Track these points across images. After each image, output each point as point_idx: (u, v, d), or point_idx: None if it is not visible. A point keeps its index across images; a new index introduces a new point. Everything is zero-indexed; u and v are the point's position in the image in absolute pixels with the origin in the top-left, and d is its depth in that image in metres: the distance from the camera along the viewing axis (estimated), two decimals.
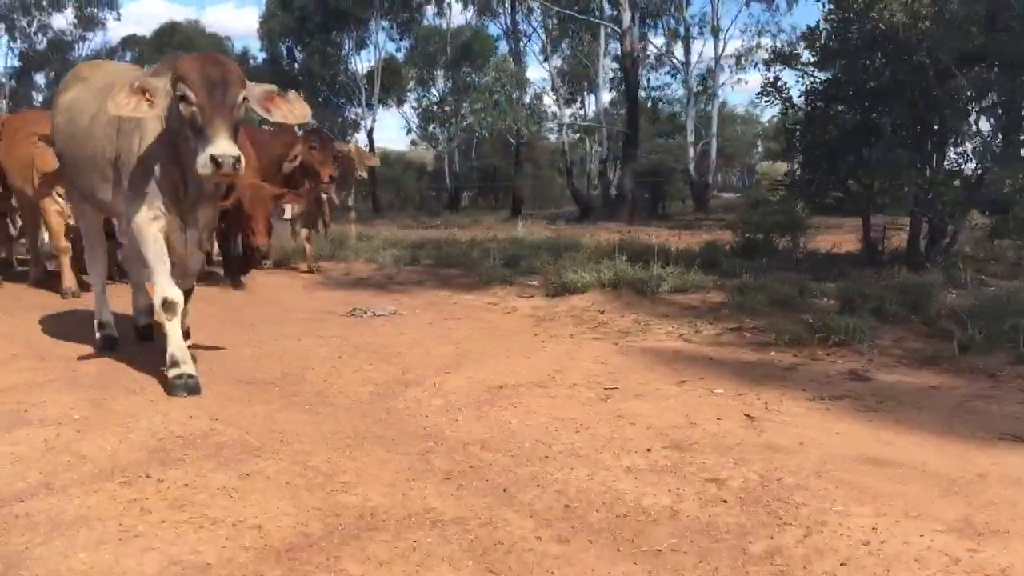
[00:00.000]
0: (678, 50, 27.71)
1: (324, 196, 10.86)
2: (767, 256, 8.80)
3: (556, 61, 28.16)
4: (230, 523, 2.66)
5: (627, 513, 2.77)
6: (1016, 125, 7.87)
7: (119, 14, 44.71)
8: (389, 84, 36.42)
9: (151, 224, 4.33)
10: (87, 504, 2.79)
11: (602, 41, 23.48)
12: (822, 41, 8.07)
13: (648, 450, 3.41)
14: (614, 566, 2.41)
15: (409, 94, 38.36)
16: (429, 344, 5.69)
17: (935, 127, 8.00)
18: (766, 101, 8.72)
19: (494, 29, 31.23)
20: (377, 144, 35.10)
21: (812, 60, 8.64)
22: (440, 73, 32.72)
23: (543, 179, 38.58)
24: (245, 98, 4.05)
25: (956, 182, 7.80)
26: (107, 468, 3.13)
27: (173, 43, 36.55)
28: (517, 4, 23.94)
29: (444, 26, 33.57)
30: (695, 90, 27.40)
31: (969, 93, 7.60)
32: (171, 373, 4.23)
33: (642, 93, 23.90)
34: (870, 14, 7.08)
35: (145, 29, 61.76)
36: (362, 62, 36.25)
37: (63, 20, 43.93)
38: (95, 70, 5.32)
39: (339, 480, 3.06)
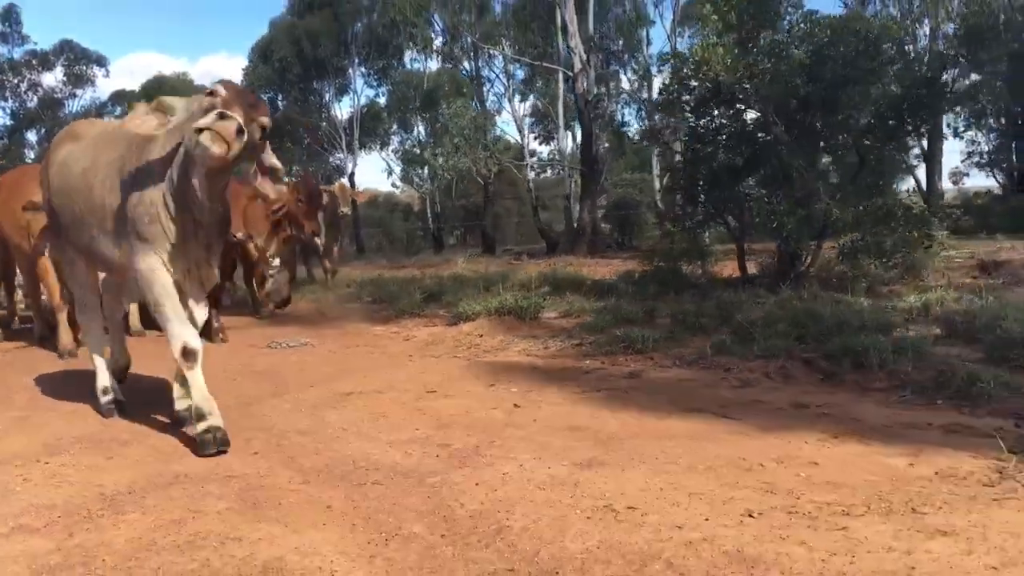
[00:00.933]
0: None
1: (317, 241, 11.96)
2: (675, 282, 9.89)
3: (527, 102, 29.67)
4: (82, 484, 3.92)
5: (363, 466, 4.03)
6: (850, 165, 9.15)
7: (108, 71, 46.37)
8: (370, 128, 38.05)
9: (161, 270, 4.39)
10: None
11: (560, 83, 24.93)
12: (673, 96, 9.38)
13: (416, 429, 4.68)
14: (329, 491, 3.67)
15: (393, 137, 39.82)
16: (314, 367, 6.97)
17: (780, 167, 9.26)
18: (646, 145, 10.03)
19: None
20: (360, 188, 36.50)
21: (687, 109, 9.94)
22: (418, 116, 34.18)
23: (525, 215, 39.90)
24: (266, 128, 4.14)
25: (796, 214, 9.02)
26: (9, 456, 4.41)
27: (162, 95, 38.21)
28: (478, 51, 25.45)
29: (422, 69, 35.15)
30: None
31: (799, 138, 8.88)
32: (198, 428, 4.32)
33: (608, 129, 25.19)
34: (699, 74, 8.39)
35: (136, 82, 63.31)
36: (343, 108, 37.87)
37: (53, 79, 45.56)
38: (90, 128, 5.43)
39: (179, 456, 4.33)
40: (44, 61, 45.25)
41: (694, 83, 8.86)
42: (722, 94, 8.85)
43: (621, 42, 27.96)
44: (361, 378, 6.31)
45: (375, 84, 36.97)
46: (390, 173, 38.15)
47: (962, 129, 30.09)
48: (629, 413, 4.83)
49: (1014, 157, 26.98)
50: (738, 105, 8.98)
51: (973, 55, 8.94)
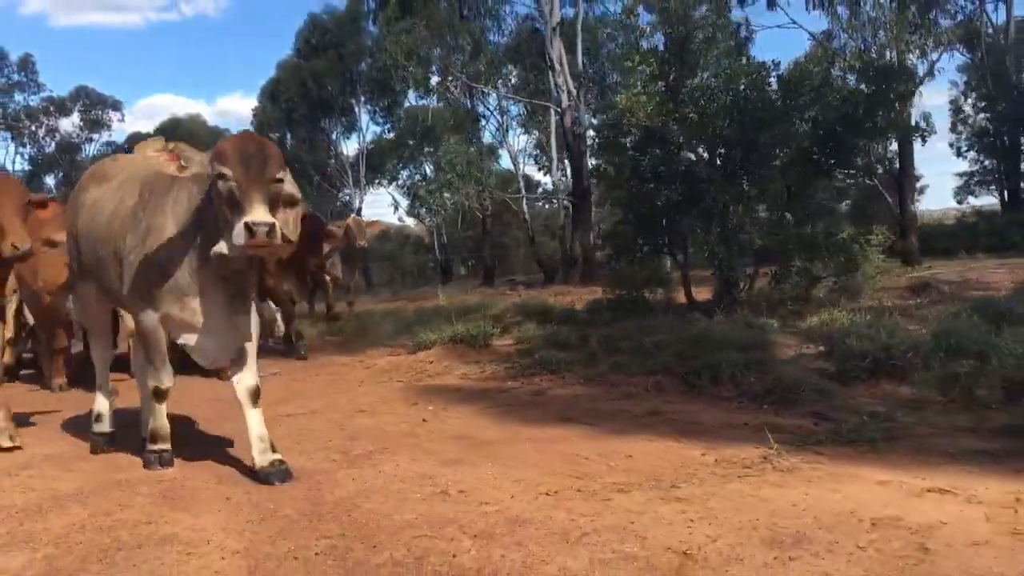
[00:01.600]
0: None
1: (328, 276, 12.66)
2: (635, 309, 10.73)
3: (529, 135, 30.77)
4: (41, 489, 4.87)
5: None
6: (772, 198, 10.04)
7: (123, 115, 48.00)
8: (376, 164, 39.35)
9: (155, 316, 4.67)
10: None
11: (552, 118, 25.98)
12: (609, 137, 10.34)
13: (329, 441, 5.61)
14: (233, 489, 4.60)
15: (403, 172, 41.00)
16: (270, 393, 7.88)
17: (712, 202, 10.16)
18: (593, 181, 10.97)
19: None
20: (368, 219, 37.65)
21: (630, 148, 10.86)
22: (424, 151, 35.33)
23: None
24: (281, 177, 4.26)
25: (726, 245, 9.91)
26: None
27: (176, 137, 39.76)
28: (473, 90, 26.57)
29: (427, 105, 36.35)
30: None
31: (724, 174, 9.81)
32: (150, 447, 5.07)
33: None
34: (623, 121, 9.35)
35: (155, 123, 65.23)
36: (350, 145, 39.21)
37: (70, 124, 47.35)
38: (115, 167, 5.56)
39: (126, 467, 5.28)
40: (61, 107, 47.05)
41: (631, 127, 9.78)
42: (654, 137, 9.78)
43: (615, 76, 28.94)
44: (306, 402, 7.25)
45: (380, 121, 38.12)
46: (396, 208, 39.27)
47: (965, 149, 31.14)
48: (511, 424, 5.75)
49: (1004, 178, 27.89)
50: (670, 147, 9.88)
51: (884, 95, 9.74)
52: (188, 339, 4.75)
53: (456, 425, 5.87)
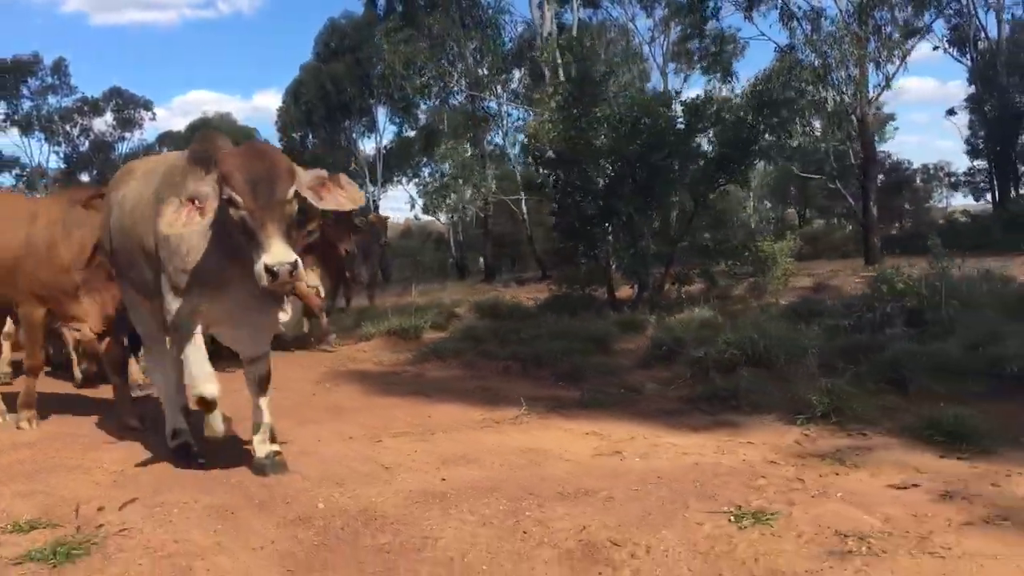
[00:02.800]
0: None
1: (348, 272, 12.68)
2: (578, 305, 12.36)
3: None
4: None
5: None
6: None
7: (154, 114, 50.47)
8: (394, 164, 41.37)
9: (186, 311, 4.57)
10: None
11: None
12: (529, 160, 12.07)
13: (226, 407, 7.44)
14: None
15: (424, 169, 42.84)
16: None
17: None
18: (529, 195, 12.73)
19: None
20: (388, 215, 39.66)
21: (544, 167, 12.57)
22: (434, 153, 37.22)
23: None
24: (296, 192, 4.18)
25: (630, 251, 11.59)
26: None
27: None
28: (475, 97, 28.36)
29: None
30: None
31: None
32: (173, 443, 5.42)
33: None
34: (530, 146, 11.10)
35: (189, 120, 67.74)
36: (368, 145, 41.27)
37: (103, 123, 49.90)
38: (143, 163, 5.68)
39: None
40: (95, 107, 49.52)
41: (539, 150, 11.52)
42: (562, 159, 11.53)
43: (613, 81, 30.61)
44: (232, 381, 9.10)
45: (397, 122, 39.97)
46: (413, 205, 41.19)
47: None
48: (376, 397, 7.51)
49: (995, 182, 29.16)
50: (582, 167, 11.60)
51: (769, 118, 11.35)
52: (222, 331, 4.84)
53: (336, 398, 7.64)
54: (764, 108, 11.33)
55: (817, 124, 19.88)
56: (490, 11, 28.81)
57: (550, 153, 11.82)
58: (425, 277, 38.59)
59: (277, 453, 4.89)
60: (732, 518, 3.51)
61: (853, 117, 20.04)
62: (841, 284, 13.43)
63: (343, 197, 4.38)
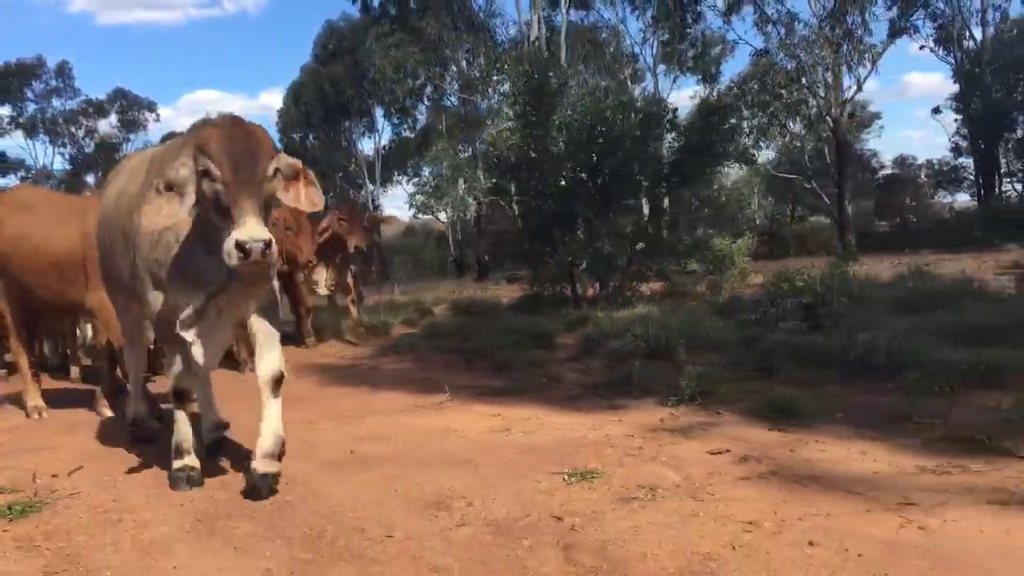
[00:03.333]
0: None
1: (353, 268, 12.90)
2: (546, 303, 13.18)
3: None
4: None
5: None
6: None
7: (158, 115, 51.51)
8: (393, 164, 42.28)
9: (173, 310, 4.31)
10: None
11: None
12: (491, 164, 12.92)
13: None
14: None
15: (424, 169, 43.74)
16: None
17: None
18: (494, 197, 13.56)
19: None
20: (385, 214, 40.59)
21: (504, 172, 13.40)
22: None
23: None
24: (277, 169, 3.96)
25: (588, 252, 12.39)
26: None
27: None
28: (466, 98, 29.26)
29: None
30: None
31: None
32: (174, 464, 4.67)
33: None
34: (489, 152, 11.92)
35: (194, 119, 68.49)
36: (368, 145, 42.19)
37: (107, 124, 50.98)
38: (132, 159, 5.60)
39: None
40: (99, 109, 50.56)
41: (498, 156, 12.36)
42: (522, 164, 12.36)
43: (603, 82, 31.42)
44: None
45: (396, 123, 40.85)
46: (411, 205, 42.10)
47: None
48: (329, 387, 8.34)
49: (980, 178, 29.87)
50: (540, 172, 12.42)
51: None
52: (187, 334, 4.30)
53: (294, 389, 8.38)
54: (712, 116, 12.08)
55: (793, 126, 20.64)
56: (481, 15, 29.68)
57: (512, 159, 12.62)
58: (426, 275, 39.57)
59: (276, 476, 4.49)
60: (565, 477, 4.32)
61: (828, 118, 20.77)
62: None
63: (303, 196, 4.18)
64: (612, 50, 31.86)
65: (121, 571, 3.50)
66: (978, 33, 28.78)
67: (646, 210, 13.80)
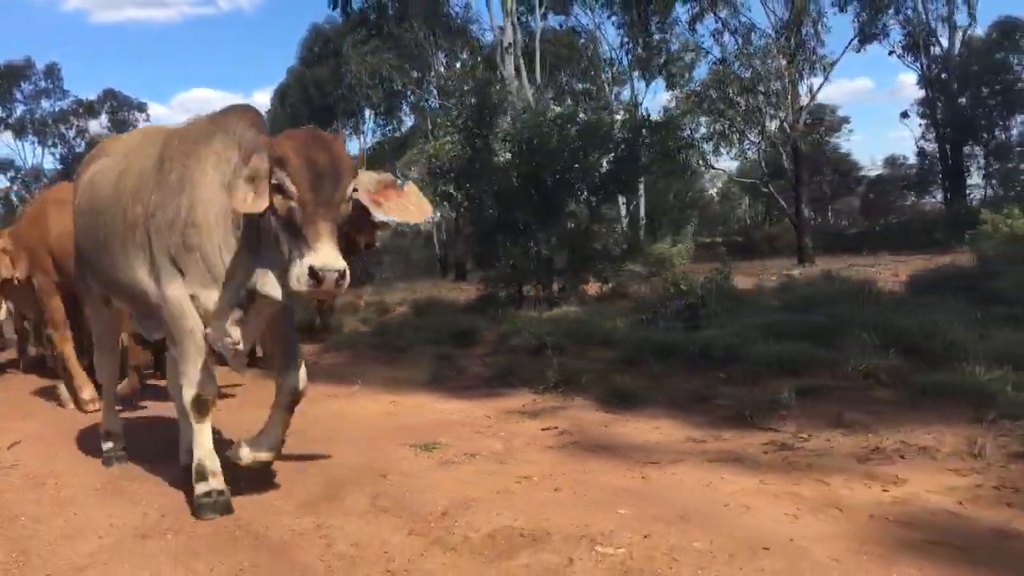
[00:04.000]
0: None
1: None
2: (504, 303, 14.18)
3: None
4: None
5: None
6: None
7: (148, 115, 52.64)
8: (379, 166, 43.24)
9: (189, 302, 4.10)
10: None
11: None
12: (435, 172, 13.93)
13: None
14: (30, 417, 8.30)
15: (399, 172, 44.71)
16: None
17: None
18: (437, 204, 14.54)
19: None
20: None
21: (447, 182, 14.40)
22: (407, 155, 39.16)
23: None
24: (355, 189, 3.78)
25: (523, 256, 13.40)
26: None
27: None
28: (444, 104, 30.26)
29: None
30: None
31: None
32: (197, 489, 4.17)
33: None
34: (431, 162, 12.94)
35: (189, 116, 69.37)
36: (354, 146, 43.21)
37: (98, 124, 52.12)
38: (119, 140, 5.35)
39: None
40: (89, 109, 51.64)
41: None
42: (464, 173, 13.38)
43: (581, 86, 32.48)
44: None
45: (381, 124, 41.84)
46: None
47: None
48: (267, 380, 9.32)
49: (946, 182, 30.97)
50: (482, 181, 13.44)
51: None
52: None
53: (233, 381, 9.49)
54: (642, 129, 13.10)
55: (748, 134, 21.64)
56: (459, 20, 30.71)
57: (452, 170, 13.64)
58: (415, 274, 40.55)
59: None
60: (412, 447, 5.33)
61: (785, 125, 21.80)
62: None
63: (403, 208, 3.97)
64: (590, 54, 32.84)
65: (34, 516, 4.48)
66: (945, 40, 29.78)
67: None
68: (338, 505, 4.24)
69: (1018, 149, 35.23)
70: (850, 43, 24.06)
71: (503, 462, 4.86)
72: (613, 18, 30.64)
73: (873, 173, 49.49)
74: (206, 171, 4.03)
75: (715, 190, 51.74)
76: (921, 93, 31.87)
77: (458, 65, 29.73)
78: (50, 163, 50.84)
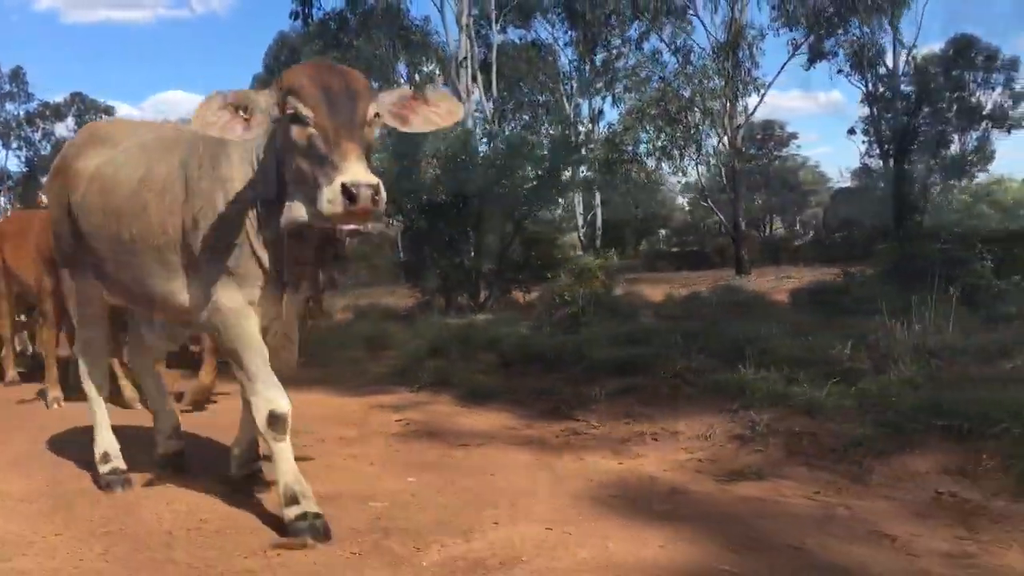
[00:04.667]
0: None
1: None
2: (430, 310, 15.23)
3: None
4: None
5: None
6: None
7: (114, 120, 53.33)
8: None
9: (247, 311, 3.90)
10: None
11: None
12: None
13: None
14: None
15: None
16: None
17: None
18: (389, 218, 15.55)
19: None
20: None
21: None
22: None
23: None
24: (377, 114, 3.55)
25: (450, 265, 14.44)
26: None
27: None
28: None
29: None
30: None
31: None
32: (290, 513, 3.83)
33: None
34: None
35: (160, 118, 70.04)
36: None
37: (65, 128, 52.86)
38: (118, 129, 4.98)
39: None
40: (56, 112, 52.31)
41: None
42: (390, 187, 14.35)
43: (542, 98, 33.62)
44: None
45: None
46: None
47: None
48: (188, 379, 10.34)
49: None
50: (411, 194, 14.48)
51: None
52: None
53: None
54: (561, 148, 14.20)
55: (687, 150, 22.80)
56: (418, 33, 31.77)
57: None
58: (382, 280, 41.48)
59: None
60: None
61: (723, 143, 23.00)
62: (650, 294, 16.26)
63: (435, 115, 3.75)
64: (548, 68, 33.95)
65: None
66: (889, 60, 31.11)
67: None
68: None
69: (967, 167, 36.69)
70: (784, 65, 25.28)
71: (344, 446, 5.85)
72: (570, 34, 31.86)
73: (841, 185, 50.63)
74: (234, 165, 3.93)
75: (686, 200, 53.02)
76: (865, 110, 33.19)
77: (416, 77, 30.74)
78: (15, 165, 51.48)
